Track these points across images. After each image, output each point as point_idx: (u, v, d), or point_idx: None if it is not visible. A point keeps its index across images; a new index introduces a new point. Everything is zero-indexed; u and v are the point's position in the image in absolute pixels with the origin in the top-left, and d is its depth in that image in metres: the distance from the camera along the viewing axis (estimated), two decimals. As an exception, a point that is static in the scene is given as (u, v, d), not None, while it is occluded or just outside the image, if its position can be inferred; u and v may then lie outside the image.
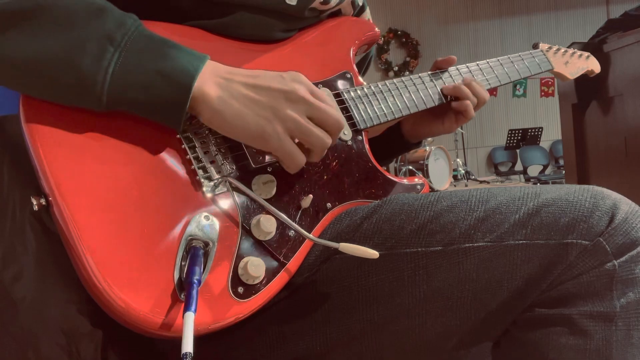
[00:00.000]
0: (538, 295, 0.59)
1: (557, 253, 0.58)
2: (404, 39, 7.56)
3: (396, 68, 7.49)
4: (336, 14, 0.84)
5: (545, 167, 7.30)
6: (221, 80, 0.58)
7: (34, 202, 0.52)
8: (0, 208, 0.56)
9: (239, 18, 0.69)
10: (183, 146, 0.60)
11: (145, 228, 0.54)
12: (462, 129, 6.15)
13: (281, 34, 0.75)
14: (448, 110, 0.89)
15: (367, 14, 0.91)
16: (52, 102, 0.55)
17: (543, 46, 1.07)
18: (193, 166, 0.59)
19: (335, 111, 0.62)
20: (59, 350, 0.54)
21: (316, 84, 0.73)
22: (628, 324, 0.57)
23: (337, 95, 0.75)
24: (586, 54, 1.15)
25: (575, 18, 7.67)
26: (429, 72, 0.88)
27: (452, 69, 0.90)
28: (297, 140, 0.61)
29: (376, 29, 0.87)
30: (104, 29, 0.54)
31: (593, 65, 1.16)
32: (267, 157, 0.64)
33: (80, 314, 0.53)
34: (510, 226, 0.60)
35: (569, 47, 1.26)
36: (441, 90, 0.87)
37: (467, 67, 0.92)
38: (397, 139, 0.96)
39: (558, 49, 1.09)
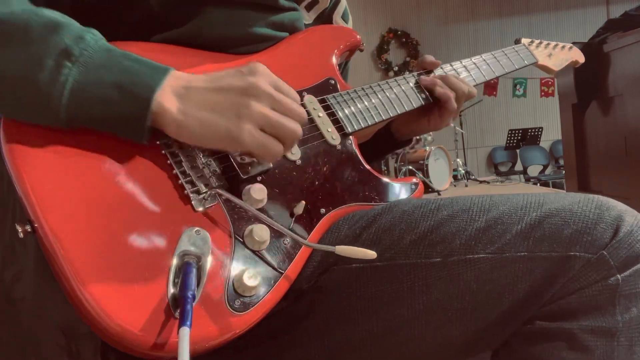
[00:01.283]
0: (539, 308, 0.58)
1: (559, 266, 0.57)
2: (404, 39, 7.54)
3: (396, 68, 7.48)
4: (313, 4, 0.84)
5: (545, 167, 7.29)
6: (181, 90, 0.56)
7: (19, 230, 0.50)
8: (0, 208, 0.56)
9: (209, 15, 0.68)
10: (169, 162, 0.58)
11: (135, 248, 0.52)
12: (462, 129, 6.15)
13: (262, 30, 0.73)
14: (433, 108, 0.89)
15: (344, 3, 0.91)
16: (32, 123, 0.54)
17: (525, 41, 1.08)
18: (180, 181, 0.58)
19: (297, 105, 0.60)
20: (59, 350, 0.53)
21: (301, 92, 0.73)
22: (630, 340, 0.56)
23: (323, 101, 0.74)
24: (568, 45, 1.16)
25: (575, 18, 7.66)
26: (414, 73, 0.89)
27: (437, 68, 0.91)
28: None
29: (358, 35, 0.87)
30: (61, 44, 0.52)
31: (577, 55, 1.17)
32: (257, 168, 0.63)
33: (80, 314, 0.53)
34: (512, 237, 0.59)
35: (568, 47, 1.27)
36: (421, 82, 0.87)
37: (451, 65, 0.94)
38: (386, 138, 0.96)
39: (540, 43, 1.10)
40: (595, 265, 0.56)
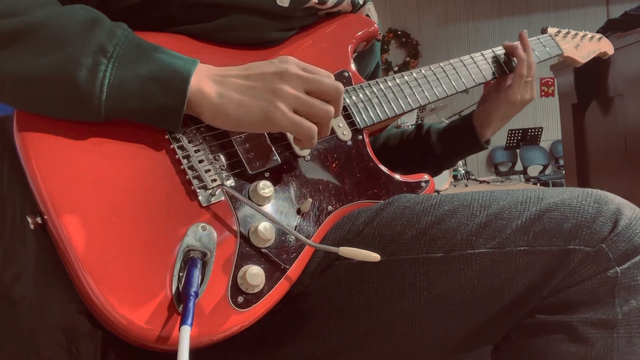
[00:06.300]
0: (539, 301, 0.58)
1: (559, 259, 0.57)
2: (404, 39, 7.55)
3: (396, 68, 7.49)
4: (333, 14, 0.82)
5: (545, 167, 7.29)
6: (216, 77, 0.59)
7: (30, 221, 0.52)
8: (0, 208, 0.56)
9: (231, 20, 0.68)
10: (177, 156, 0.59)
11: (142, 241, 0.53)
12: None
13: (277, 34, 0.74)
14: (500, 91, 0.92)
15: (366, 10, 0.89)
16: (46, 117, 0.55)
17: (551, 30, 1.03)
18: (187, 176, 0.59)
19: (331, 79, 0.62)
20: (59, 350, 0.53)
21: None
22: (630, 332, 0.56)
23: None
24: (598, 35, 1.10)
25: (575, 18, 7.66)
26: (430, 66, 0.87)
27: (454, 60, 0.89)
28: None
29: (375, 25, 0.85)
30: (96, 42, 0.54)
31: (605, 47, 1.11)
32: (265, 163, 0.64)
33: (80, 314, 0.53)
34: (512, 232, 0.59)
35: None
36: (505, 45, 0.90)
37: (471, 57, 0.91)
38: (469, 136, 0.96)
39: (567, 33, 1.05)
40: (594, 258, 0.57)
